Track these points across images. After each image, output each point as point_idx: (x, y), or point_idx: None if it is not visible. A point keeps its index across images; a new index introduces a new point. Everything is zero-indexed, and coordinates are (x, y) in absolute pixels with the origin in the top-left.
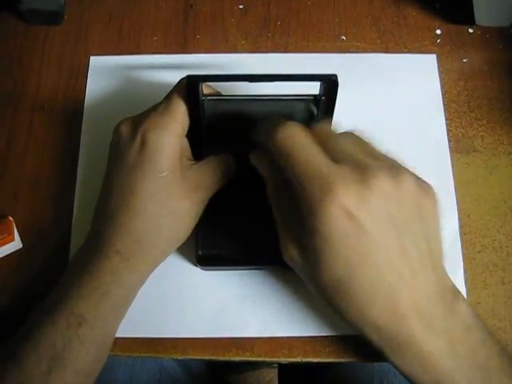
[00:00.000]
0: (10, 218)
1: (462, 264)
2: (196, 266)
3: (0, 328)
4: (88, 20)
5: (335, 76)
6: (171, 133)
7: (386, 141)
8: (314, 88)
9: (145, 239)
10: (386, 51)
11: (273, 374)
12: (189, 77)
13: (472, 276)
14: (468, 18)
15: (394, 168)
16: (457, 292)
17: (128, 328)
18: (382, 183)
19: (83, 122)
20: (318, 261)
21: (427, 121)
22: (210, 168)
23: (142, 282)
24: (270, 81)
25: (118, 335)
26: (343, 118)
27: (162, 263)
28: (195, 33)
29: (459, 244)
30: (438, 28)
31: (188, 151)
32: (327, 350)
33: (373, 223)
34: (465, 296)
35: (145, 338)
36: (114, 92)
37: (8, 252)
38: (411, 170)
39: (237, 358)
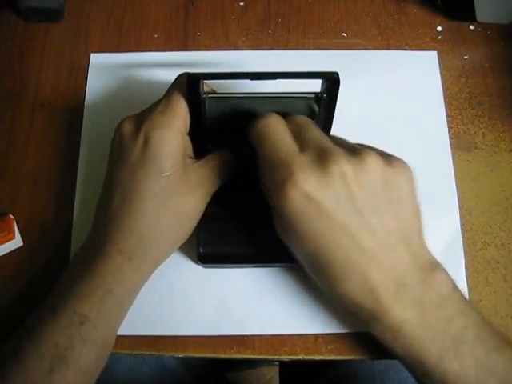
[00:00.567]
0: (11, 216)
1: (463, 261)
2: (197, 263)
3: (1, 326)
4: (88, 17)
5: (337, 74)
6: (173, 131)
7: (386, 138)
8: (315, 85)
9: (148, 238)
10: (387, 48)
11: (274, 372)
12: (189, 75)
13: (474, 273)
14: (469, 15)
15: (356, 153)
16: (435, 265)
17: (129, 326)
18: (341, 167)
19: (84, 120)
20: (293, 239)
21: (428, 118)
22: (212, 165)
23: (145, 280)
24: (272, 78)
25: (119, 333)
26: (343, 114)
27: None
28: (196, 30)
29: (461, 241)
30: (439, 25)
31: (190, 149)
32: (328, 347)
33: (334, 206)
34: (467, 293)
35: (146, 335)
36: (114, 89)
37: (8, 250)
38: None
39: (238, 356)
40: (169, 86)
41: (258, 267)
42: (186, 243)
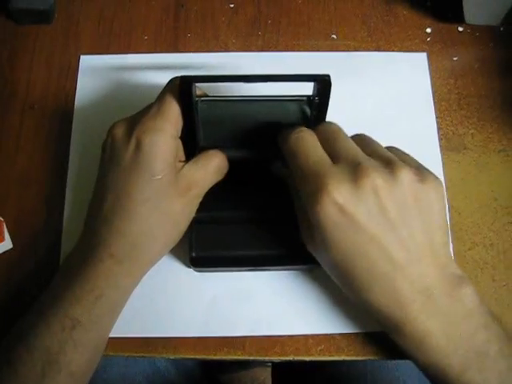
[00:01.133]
0: (1, 219)
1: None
2: (189, 267)
3: None
4: (78, 19)
5: (328, 76)
6: (165, 135)
7: (376, 139)
8: (306, 87)
9: (139, 242)
10: (377, 50)
11: (266, 374)
12: (182, 78)
13: None
14: (458, 17)
15: (389, 164)
16: (462, 278)
17: (120, 328)
18: (373, 181)
19: (74, 121)
20: (322, 248)
21: (418, 119)
22: (201, 165)
23: (136, 283)
24: (264, 81)
25: (110, 335)
26: (333, 116)
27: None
28: (186, 32)
29: (450, 241)
30: (429, 26)
31: (181, 153)
32: (319, 348)
33: (366, 218)
34: None
35: (137, 337)
36: (104, 91)
37: None
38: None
39: (228, 357)
40: (161, 90)
41: (249, 271)
42: (178, 247)
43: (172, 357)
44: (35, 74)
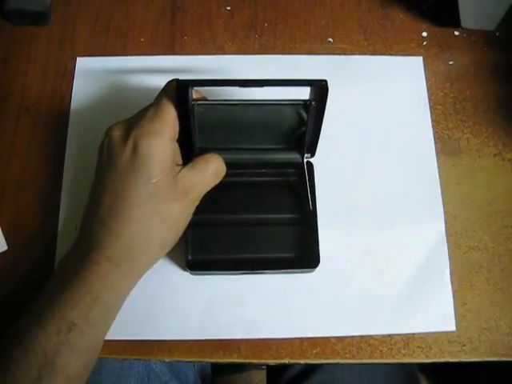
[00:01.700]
0: None
1: (448, 265)
2: (185, 270)
3: None
4: (75, 21)
5: (325, 81)
6: (162, 138)
7: (372, 142)
8: (303, 91)
9: (135, 245)
10: (373, 53)
11: (261, 377)
12: (178, 81)
13: (458, 277)
14: (454, 21)
15: None
16: None
17: (115, 330)
18: None
19: (69, 123)
20: None
21: (413, 122)
22: (199, 169)
23: (132, 286)
24: (261, 86)
25: (106, 337)
26: (330, 120)
27: None
28: (182, 34)
29: (445, 245)
30: (425, 30)
31: (178, 156)
32: (314, 351)
33: None
34: (451, 296)
35: (132, 340)
36: (100, 93)
37: None
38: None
39: (224, 360)
40: (158, 93)
41: (245, 274)
42: (174, 250)
43: (167, 359)
44: (31, 76)
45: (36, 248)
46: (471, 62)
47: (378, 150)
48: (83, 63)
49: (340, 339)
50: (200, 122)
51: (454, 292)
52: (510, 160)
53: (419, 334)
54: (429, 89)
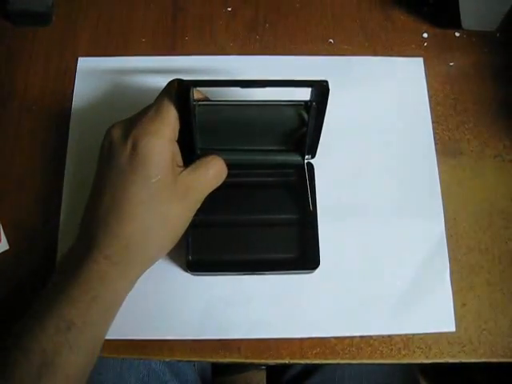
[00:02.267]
0: None
1: (448, 265)
2: (186, 271)
3: None
4: (76, 21)
5: (326, 82)
6: (162, 138)
7: (372, 143)
8: (305, 91)
9: (134, 244)
10: (374, 54)
11: (261, 377)
12: (180, 82)
13: (458, 278)
14: (455, 22)
15: None
16: None
17: (116, 330)
18: None
19: (71, 123)
20: None
21: (414, 124)
22: (200, 172)
23: (131, 286)
24: (262, 86)
25: (106, 337)
26: (330, 120)
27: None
28: (184, 35)
29: (445, 246)
30: (425, 32)
31: (179, 156)
32: (314, 351)
33: None
34: (451, 297)
35: (132, 339)
36: (101, 93)
37: None
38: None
39: (224, 360)
40: (159, 93)
41: (245, 274)
42: (174, 250)
43: (168, 359)
44: (33, 76)
45: (37, 247)
46: (472, 63)
47: (378, 151)
48: (85, 63)
49: (340, 339)
50: (201, 123)
51: (454, 293)
52: (510, 161)
53: (419, 334)
54: (429, 90)
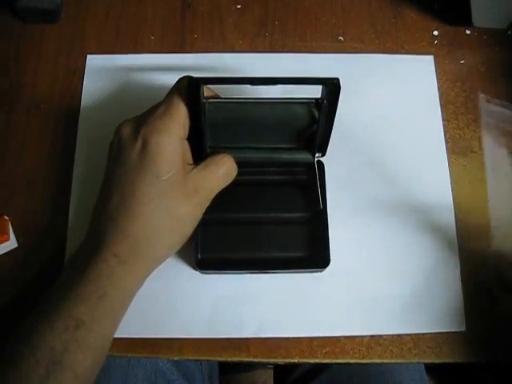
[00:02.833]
0: (6, 217)
1: (459, 265)
2: (195, 269)
3: None
4: (85, 18)
5: (337, 80)
6: (172, 136)
7: (383, 141)
8: (315, 89)
9: (143, 242)
10: (384, 52)
11: (268, 376)
12: (190, 79)
13: (469, 277)
14: (465, 20)
15: None
16: None
17: (124, 328)
18: None
19: (80, 121)
20: None
21: (424, 122)
22: (211, 170)
23: (140, 284)
24: (272, 84)
25: (114, 335)
26: (340, 118)
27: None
28: (192, 32)
29: (456, 245)
30: (436, 29)
31: (188, 154)
32: (323, 350)
33: None
34: (462, 296)
35: (141, 338)
36: (110, 90)
37: (3, 251)
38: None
39: (233, 359)
40: (169, 90)
41: (254, 273)
42: (184, 249)
43: (176, 358)
44: (41, 73)
45: (46, 245)
46: (482, 61)
47: (389, 149)
48: (93, 61)
49: (350, 339)
50: (211, 120)
51: (465, 292)
52: None
53: (429, 334)
54: (440, 88)
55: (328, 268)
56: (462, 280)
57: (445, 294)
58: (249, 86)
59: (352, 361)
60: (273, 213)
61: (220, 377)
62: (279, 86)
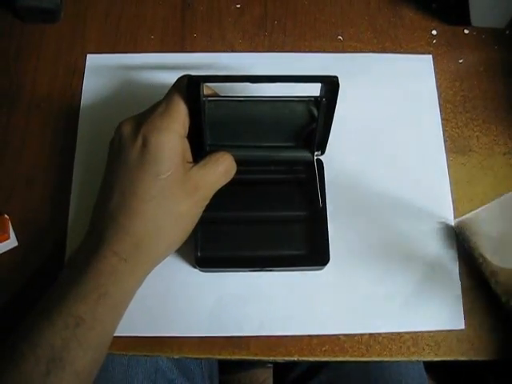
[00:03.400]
0: (6, 216)
1: (457, 263)
2: (195, 267)
3: None
4: (85, 18)
5: (336, 78)
6: (172, 134)
7: (381, 140)
8: (314, 88)
9: (144, 241)
10: (382, 51)
11: (267, 374)
12: (190, 77)
13: (467, 275)
14: (464, 19)
15: None
16: None
17: (124, 327)
18: None
19: (79, 120)
20: None
21: (423, 121)
22: (210, 168)
23: (140, 282)
24: (272, 82)
25: (114, 334)
26: (339, 117)
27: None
28: (192, 31)
29: (455, 243)
30: (434, 29)
31: (188, 152)
32: (323, 348)
33: None
34: (460, 295)
35: (141, 336)
36: (110, 90)
37: (3, 250)
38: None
39: (233, 357)
40: (169, 88)
41: (254, 271)
42: (183, 247)
43: (177, 356)
44: (41, 73)
45: (46, 244)
46: (481, 60)
47: (388, 148)
48: (93, 60)
49: (349, 337)
50: (211, 119)
51: (464, 290)
52: None
53: (428, 332)
54: (438, 87)
55: (327, 266)
56: (460, 278)
57: (444, 293)
58: (248, 84)
59: (351, 359)
60: (272, 211)
61: (220, 376)
62: (278, 85)
